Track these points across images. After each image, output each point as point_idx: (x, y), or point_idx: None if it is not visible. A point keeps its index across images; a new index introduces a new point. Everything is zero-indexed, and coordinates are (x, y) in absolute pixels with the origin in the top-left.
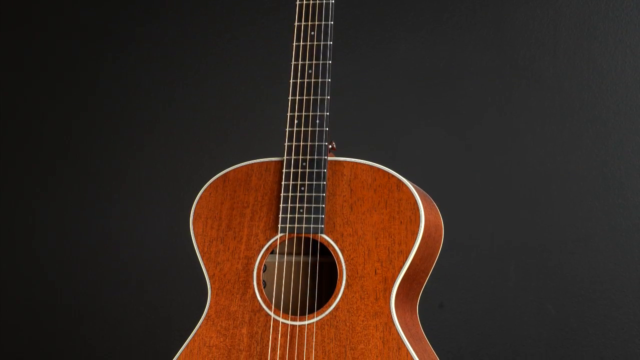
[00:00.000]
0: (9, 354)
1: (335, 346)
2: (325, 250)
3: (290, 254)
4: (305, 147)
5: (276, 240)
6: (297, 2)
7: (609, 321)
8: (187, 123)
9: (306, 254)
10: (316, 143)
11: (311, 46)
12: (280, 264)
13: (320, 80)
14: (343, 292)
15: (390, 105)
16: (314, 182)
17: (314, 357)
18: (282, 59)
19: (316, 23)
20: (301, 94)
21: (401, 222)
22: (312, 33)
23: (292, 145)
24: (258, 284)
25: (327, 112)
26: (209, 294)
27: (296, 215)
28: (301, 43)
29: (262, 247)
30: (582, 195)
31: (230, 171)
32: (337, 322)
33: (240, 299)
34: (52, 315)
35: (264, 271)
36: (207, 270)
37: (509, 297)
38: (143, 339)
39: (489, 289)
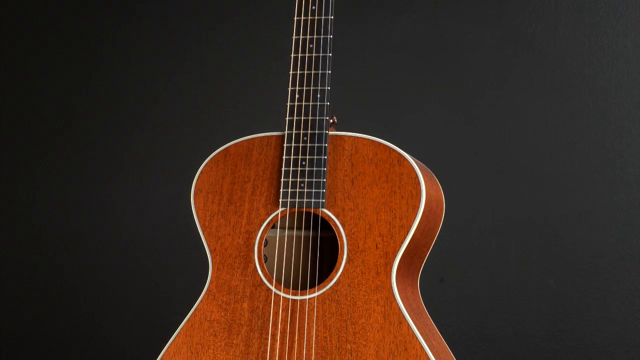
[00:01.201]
0: (10, 330)
1: (336, 321)
2: (326, 225)
3: (291, 228)
4: (306, 121)
5: (277, 214)
6: None
7: (610, 295)
8: (188, 98)
9: (307, 228)
10: (317, 117)
11: (312, 20)
12: (282, 238)
13: (321, 54)
14: (344, 267)
15: (391, 80)
16: (315, 157)
17: (315, 332)
18: (284, 33)
19: None
20: (302, 69)
21: (402, 197)
22: (313, 7)
23: (293, 119)
24: (259, 258)
25: (328, 86)
26: (210, 268)
27: (297, 190)
28: (302, 17)
29: (263, 222)
30: (583, 169)
31: (231, 146)
32: (338, 296)
33: (241, 273)
34: (53, 291)
35: (265, 246)
36: (208, 245)
37: (509, 272)
38: (144, 314)
39: (489, 263)
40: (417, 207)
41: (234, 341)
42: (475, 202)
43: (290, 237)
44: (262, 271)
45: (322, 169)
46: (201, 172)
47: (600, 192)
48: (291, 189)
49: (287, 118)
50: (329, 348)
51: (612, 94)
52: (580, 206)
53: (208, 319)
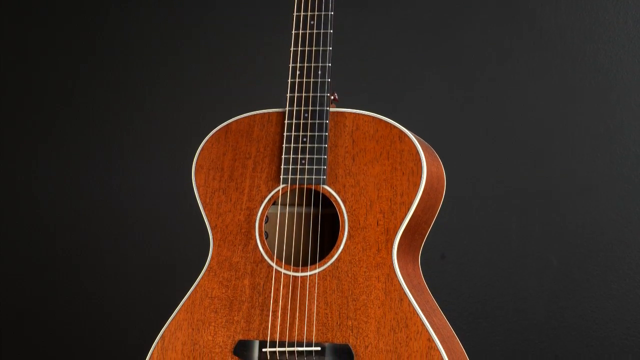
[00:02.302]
0: (9, 304)
1: (337, 297)
2: (327, 202)
3: (292, 205)
4: (307, 98)
5: (278, 191)
6: None
7: (611, 272)
8: (190, 75)
9: (308, 205)
10: (318, 94)
11: None
12: (282, 215)
13: (322, 31)
14: (345, 244)
15: (392, 57)
16: (316, 133)
17: (316, 308)
18: (285, 10)
19: None
20: (303, 45)
21: (403, 173)
22: None
23: (294, 96)
24: (260, 235)
25: (329, 63)
26: (211, 245)
27: (298, 167)
28: None
29: (264, 198)
30: (584, 146)
31: (232, 122)
32: (339, 273)
33: (242, 250)
34: (53, 269)
35: (266, 222)
36: (209, 222)
37: (510, 249)
38: (145, 291)
39: (491, 240)
40: (418, 184)
41: (235, 318)
42: (476, 179)
43: (291, 214)
44: (263, 248)
45: (323, 145)
46: (202, 149)
47: (602, 168)
48: (292, 165)
49: (288, 95)
50: (330, 324)
51: (613, 70)
52: (581, 183)
53: (209, 295)
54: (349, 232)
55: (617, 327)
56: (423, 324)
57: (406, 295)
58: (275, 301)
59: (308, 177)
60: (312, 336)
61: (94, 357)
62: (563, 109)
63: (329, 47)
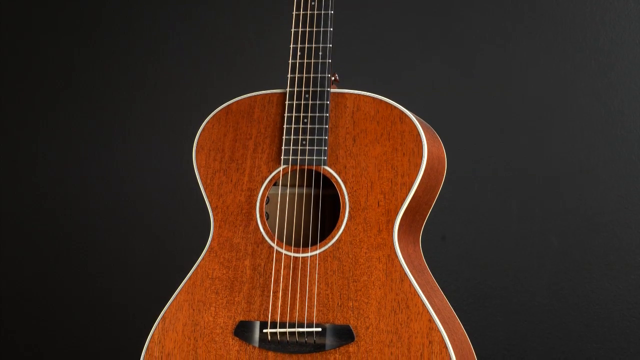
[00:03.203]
0: (11, 283)
1: (338, 278)
2: (328, 183)
3: (293, 186)
4: (308, 79)
5: (279, 172)
6: None
7: (612, 252)
8: (191, 55)
9: (309, 186)
10: (319, 75)
11: None
12: (283, 196)
13: (323, 12)
14: (346, 224)
15: (393, 38)
16: (317, 114)
17: (317, 289)
18: None
19: None
20: (304, 26)
21: (404, 154)
22: None
23: (294, 77)
24: (261, 216)
25: (329, 44)
26: (212, 226)
27: (299, 147)
28: None
29: (265, 179)
30: (584, 126)
31: (233, 103)
32: (340, 254)
33: (243, 231)
34: (55, 247)
35: (266, 203)
36: (210, 202)
37: (511, 229)
38: (146, 272)
39: (491, 221)
40: (419, 165)
41: (236, 299)
42: (476, 160)
43: (292, 195)
44: (263, 229)
45: (323, 126)
46: (203, 130)
47: (602, 148)
48: (293, 146)
49: (289, 75)
50: (331, 305)
51: (614, 51)
52: (581, 163)
53: (210, 276)
54: (349, 213)
55: (617, 307)
56: (424, 305)
57: (407, 276)
58: (276, 282)
59: (309, 157)
60: (313, 317)
61: (95, 336)
62: (563, 90)
63: (330, 28)
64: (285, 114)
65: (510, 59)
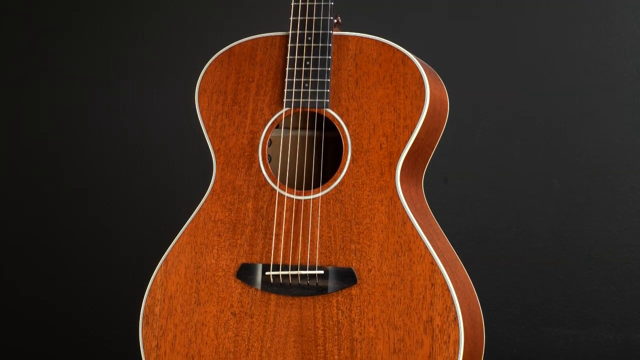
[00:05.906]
0: (13, 233)
1: (340, 221)
2: (330, 125)
3: (295, 128)
4: (310, 21)
5: (281, 114)
6: None
7: (615, 195)
8: None
9: (311, 128)
10: (321, 17)
11: None
12: (286, 138)
13: None
14: (348, 167)
15: None
16: (319, 57)
17: (319, 232)
18: None
19: None
20: None
21: (406, 97)
22: None
23: (297, 19)
24: (263, 158)
25: None
26: (214, 168)
27: (301, 90)
28: None
29: (267, 122)
30: (587, 70)
31: (235, 46)
32: (343, 196)
33: (246, 173)
34: (57, 193)
35: (269, 146)
36: (213, 145)
37: (514, 172)
38: (149, 215)
39: (494, 163)
40: (421, 107)
41: (238, 241)
42: (479, 103)
43: (294, 137)
44: (266, 171)
45: (326, 69)
46: (205, 72)
47: (605, 92)
48: (295, 89)
49: (291, 18)
50: (333, 248)
51: None
52: (584, 106)
53: (212, 219)
54: (352, 155)
55: (619, 250)
56: (426, 247)
57: (409, 219)
58: (279, 224)
59: (311, 100)
60: (315, 260)
61: (97, 280)
62: (565, 33)
63: None
64: (288, 57)
65: (512, 1)
